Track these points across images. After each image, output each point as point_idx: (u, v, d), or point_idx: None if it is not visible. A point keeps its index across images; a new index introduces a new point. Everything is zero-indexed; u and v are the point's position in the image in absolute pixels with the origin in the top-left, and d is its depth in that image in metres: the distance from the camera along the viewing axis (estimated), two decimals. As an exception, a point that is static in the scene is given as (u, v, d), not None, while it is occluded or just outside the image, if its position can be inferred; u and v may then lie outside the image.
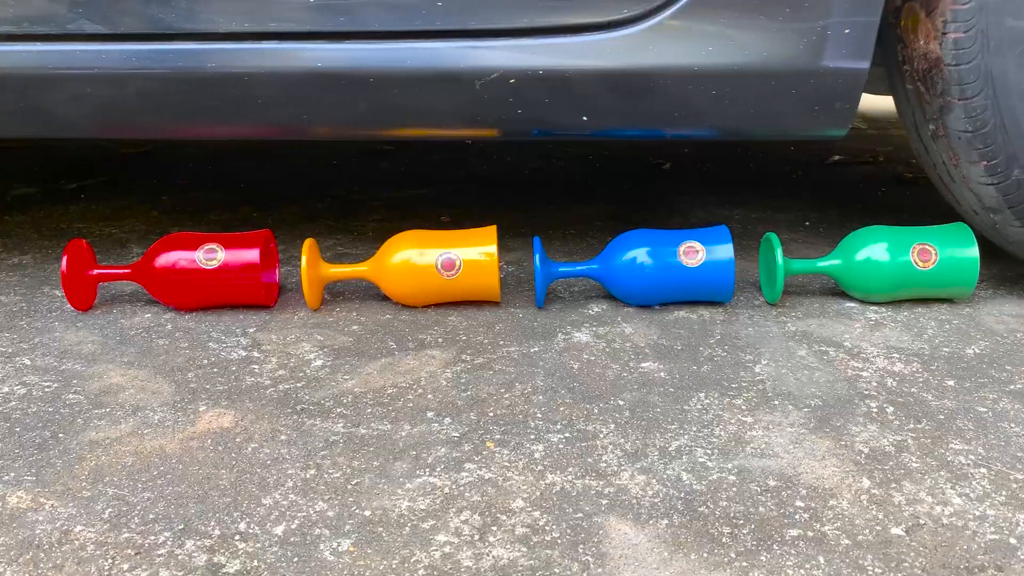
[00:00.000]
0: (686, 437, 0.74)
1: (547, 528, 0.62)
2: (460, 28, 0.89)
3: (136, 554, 0.60)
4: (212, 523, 0.63)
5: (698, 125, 0.97)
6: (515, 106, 0.92)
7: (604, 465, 0.70)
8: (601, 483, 0.68)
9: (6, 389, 0.84)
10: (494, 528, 0.62)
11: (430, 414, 0.78)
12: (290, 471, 0.69)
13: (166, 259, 0.98)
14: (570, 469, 0.69)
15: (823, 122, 0.94)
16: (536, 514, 0.64)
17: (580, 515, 0.64)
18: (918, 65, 0.94)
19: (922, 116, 0.96)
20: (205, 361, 0.89)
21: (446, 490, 0.67)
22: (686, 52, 0.88)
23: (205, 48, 0.91)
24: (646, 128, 1.00)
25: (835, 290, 1.06)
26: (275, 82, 0.93)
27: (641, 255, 0.97)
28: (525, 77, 0.90)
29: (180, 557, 0.59)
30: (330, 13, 0.88)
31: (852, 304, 1.02)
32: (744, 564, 0.59)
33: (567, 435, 0.74)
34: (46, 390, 0.84)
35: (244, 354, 0.91)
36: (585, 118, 0.94)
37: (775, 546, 0.60)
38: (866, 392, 0.82)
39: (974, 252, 0.95)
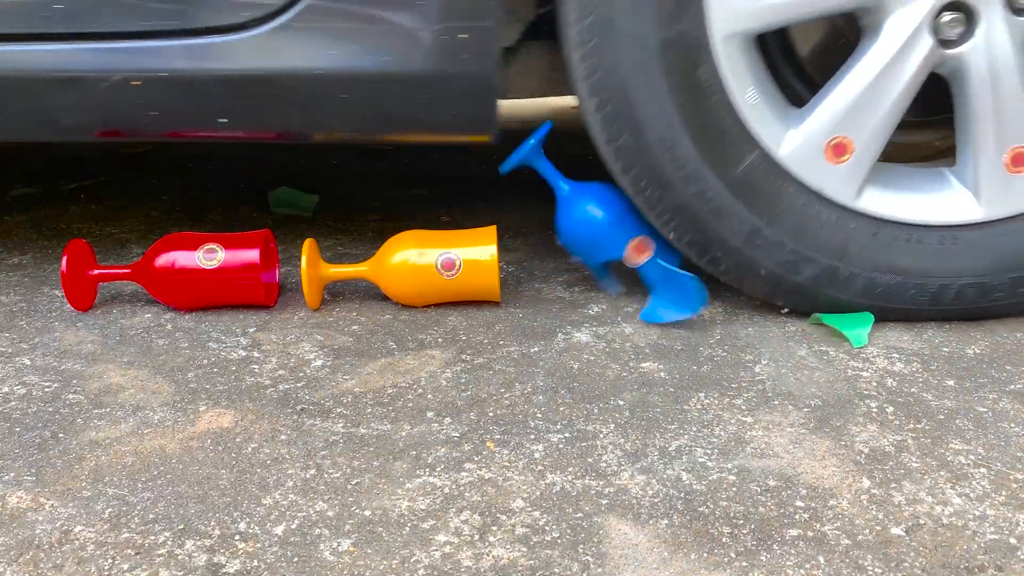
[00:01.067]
0: (686, 437, 0.74)
1: (547, 528, 0.62)
2: (80, 31, 0.89)
3: (136, 554, 0.60)
4: (212, 523, 0.63)
5: (336, 127, 0.98)
6: (146, 108, 0.93)
7: (604, 465, 0.70)
8: (601, 483, 0.68)
9: (6, 389, 0.84)
10: (494, 528, 0.62)
11: (430, 414, 0.78)
12: (290, 471, 0.69)
13: (166, 259, 0.98)
14: (570, 469, 0.69)
15: (462, 126, 0.96)
16: (536, 514, 0.64)
17: (580, 515, 0.64)
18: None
19: None
20: (205, 361, 0.89)
21: (446, 490, 0.67)
22: (309, 55, 0.89)
23: None
24: (289, 130, 1.00)
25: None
26: None
27: None
28: (149, 80, 0.90)
29: (180, 557, 0.59)
30: None
31: (852, 304, 1.02)
32: (744, 564, 0.59)
33: (567, 435, 0.74)
34: (46, 390, 0.84)
35: (244, 354, 0.91)
36: (223, 120, 0.94)
37: (775, 546, 0.60)
38: (866, 392, 0.82)
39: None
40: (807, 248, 0.91)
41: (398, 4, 0.87)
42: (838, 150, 0.89)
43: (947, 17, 0.85)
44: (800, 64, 1.24)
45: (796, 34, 1.23)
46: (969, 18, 0.86)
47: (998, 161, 0.90)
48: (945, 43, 0.86)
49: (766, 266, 0.92)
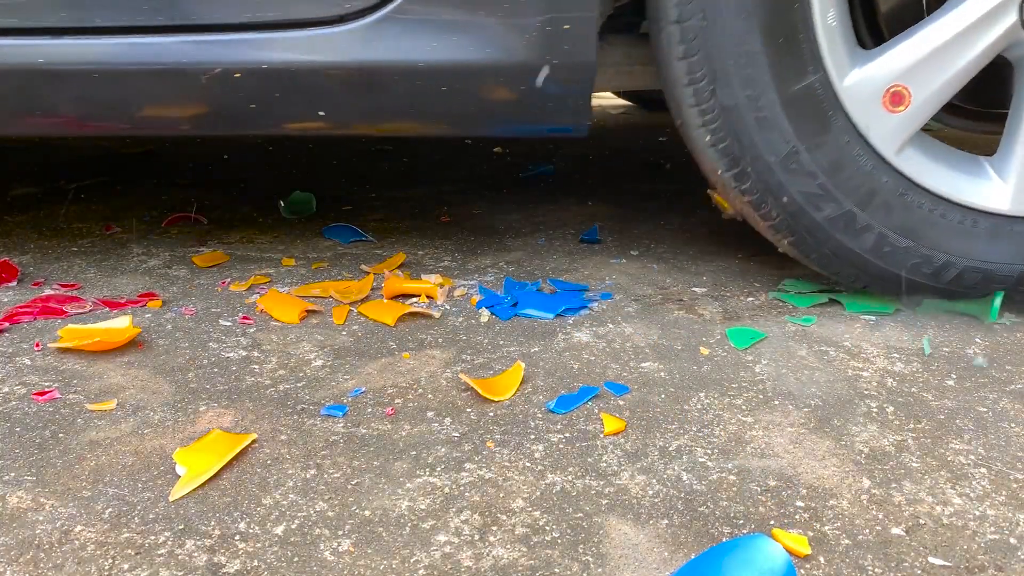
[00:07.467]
0: (686, 437, 0.74)
1: (547, 528, 0.62)
2: (181, 23, 0.89)
3: (136, 554, 0.60)
4: (212, 523, 0.63)
5: (434, 120, 0.98)
6: (246, 100, 0.92)
7: (604, 465, 0.70)
8: (601, 483, 0.68)
9: (6, 389, 0.84)
10: (494, 528, 0.62)
11: (430, 414, 0.78)
12: (290, 471, 0.69)
13: None
14: (570, 469, 0.69)
15: (559, 117, 0.96)
16: (536, 514, 0.64)
17: (580, 515, 0.64)
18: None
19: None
20: (205, 361, 0.89)
21: (446, 490, 0.67)
22: (410, 47, 0.89)
23: None
24: (386, 123, 0.99)
25: (834, 290, 1.06)
26: None
27: None
28: (250, 72, 0.90)
29: (180, 557, 0.59)
30: (52, 9, 0.88)
31: (852, 304, 1.02)
32: (744, 564, 0.58)
33: (567, 435, 0.74)
34: (46, 390, 0.84)
35: (244, 354, 0.91)
36: (322, 113, 0.94)
37: (775, 546, 0.60)
38: (866, 392, 0.82)
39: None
40: (835, 187, 0.91)
41: None
42: (895, 99, 0.89)
43: None
44: (874, 14, 1.22)
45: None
46: None
47: None
48: None
49: (790, 193, 0.92)
